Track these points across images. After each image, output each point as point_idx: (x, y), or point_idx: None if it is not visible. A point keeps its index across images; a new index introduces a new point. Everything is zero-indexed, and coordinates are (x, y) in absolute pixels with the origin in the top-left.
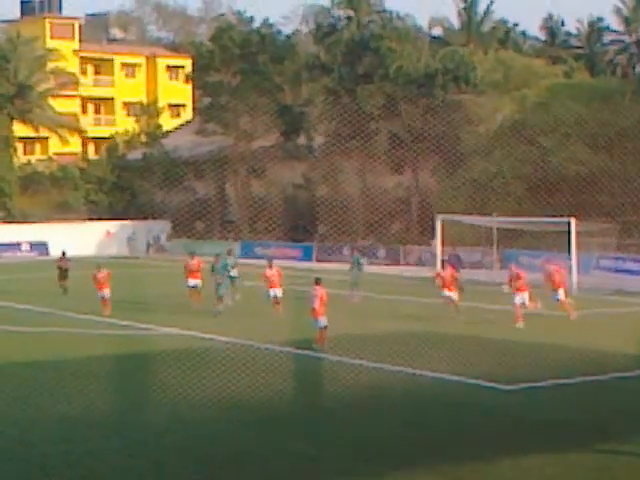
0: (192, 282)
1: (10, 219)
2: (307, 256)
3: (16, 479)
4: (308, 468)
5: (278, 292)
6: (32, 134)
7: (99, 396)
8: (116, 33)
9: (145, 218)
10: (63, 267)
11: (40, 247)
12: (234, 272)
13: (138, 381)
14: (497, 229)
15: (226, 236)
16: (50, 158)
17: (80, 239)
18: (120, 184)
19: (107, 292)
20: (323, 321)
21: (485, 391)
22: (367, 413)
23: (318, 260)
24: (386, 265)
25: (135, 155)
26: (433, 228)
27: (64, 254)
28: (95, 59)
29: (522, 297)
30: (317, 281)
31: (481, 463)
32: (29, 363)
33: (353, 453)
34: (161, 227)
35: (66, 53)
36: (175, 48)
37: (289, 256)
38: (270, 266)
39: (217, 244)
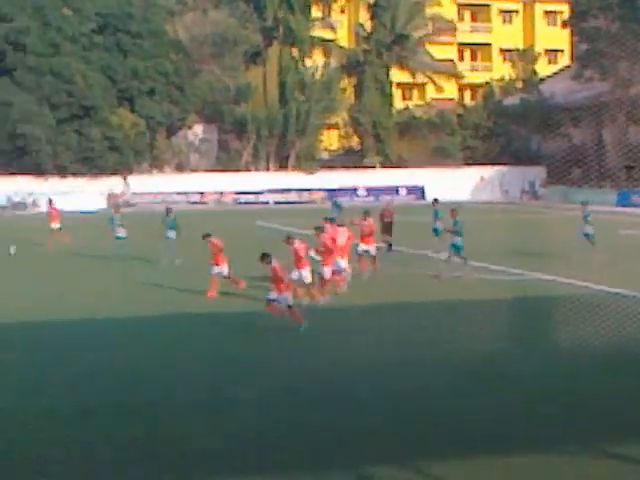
0: (363, 247)
1: (388, 164)
2: None
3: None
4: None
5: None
6: (409, 80)
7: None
8: None
9: (519, 164)
10: (387, 220)
11: (416, 191)
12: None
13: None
14: None
15: (602, 184)
16: (428, 104)
17: (455, 184)
18: (495, 130)
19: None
20: None
21: None
22: None
23: None
24: None
25: (511, 101)
26: None
27: (387, 205)
28: (472, 5)
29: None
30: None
31: None
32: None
33: None
34: (535, 173)
35: (444, 0)
36: None
37: None
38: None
39: (593, 192)
